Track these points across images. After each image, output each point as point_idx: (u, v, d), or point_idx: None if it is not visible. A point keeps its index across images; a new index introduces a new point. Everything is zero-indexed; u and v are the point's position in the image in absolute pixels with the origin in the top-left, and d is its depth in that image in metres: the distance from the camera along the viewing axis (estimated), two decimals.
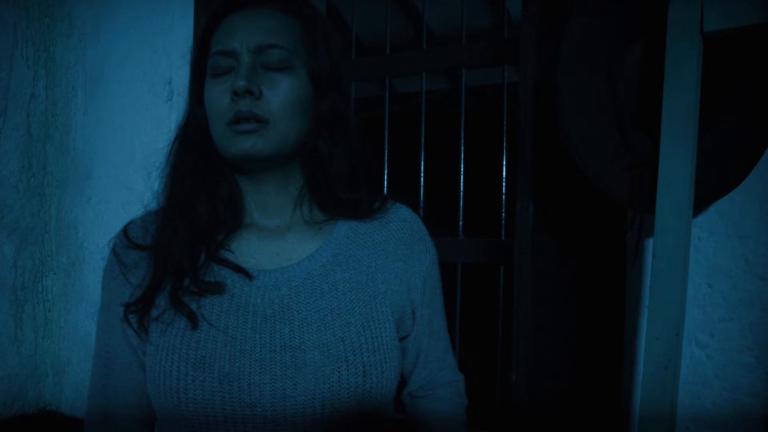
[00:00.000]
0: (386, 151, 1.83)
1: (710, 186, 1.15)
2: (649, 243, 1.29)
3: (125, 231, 0.82)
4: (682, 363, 1.16)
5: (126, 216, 2.00)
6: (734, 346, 1.24)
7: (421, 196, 1.79)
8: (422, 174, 1.78)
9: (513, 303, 1.38)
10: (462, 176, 1.72)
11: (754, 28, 1.02)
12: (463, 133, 1.70)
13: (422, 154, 1.78)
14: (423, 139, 1.78)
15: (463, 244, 1.67)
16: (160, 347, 0.74)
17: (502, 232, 1.64)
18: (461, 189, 1.72)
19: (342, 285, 0.78)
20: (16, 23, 1.97)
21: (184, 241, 0.76)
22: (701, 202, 1.15)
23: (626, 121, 1.17)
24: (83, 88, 2.09)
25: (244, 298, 0.75)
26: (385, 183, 1.84)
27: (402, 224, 0.86)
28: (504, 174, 1.62)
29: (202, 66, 0.78)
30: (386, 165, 1.84)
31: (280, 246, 0.80)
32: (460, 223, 1.72)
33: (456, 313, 1.73)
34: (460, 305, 1.72)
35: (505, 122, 1.62)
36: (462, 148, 1.71)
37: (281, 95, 0.73)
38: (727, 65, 1.13)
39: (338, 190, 0.81)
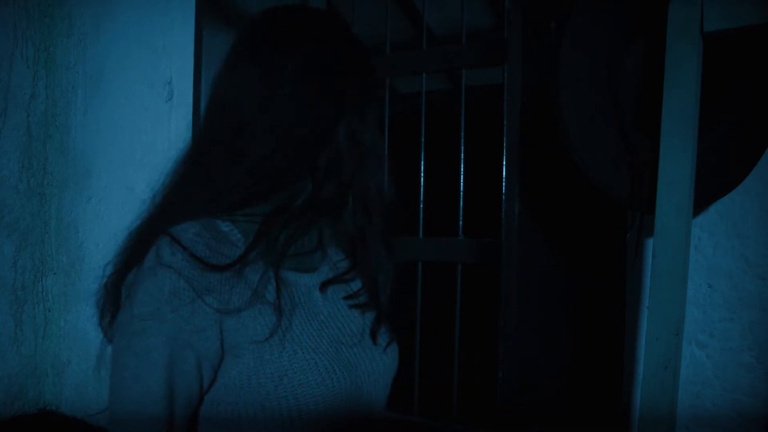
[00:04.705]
0: (386, 151, 1.83)
1: (710, 186, 1.15)
2: (649, 243, 1.29)
3: (187, 250, 0.71)
4: (682, 363, 1.16)
5: (126, 216, 1.99)
6: (734, 346, 1.24)
7: (421, 196, 1.79)
8: (422, 174, 1.78)
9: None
10: (462, 176, 1.72)
11: (754, 28, 1.02)
12: (463, 133, 1.70)
13: (422, 154, 1.78)
14: (423, 139, 1.78)
15: (463, 244, 1.67)
16: (283, 344, 0.73)
17: (502, 233, 1.64)
18: (461, 189, 1.72)
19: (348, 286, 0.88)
20: (16, 23, 1.97)
21: (287, 232, 0.78)
22: (701, 202, 1.15)
23: (626, 121, 1.17)
24: (83, 88, 2.09)
25: (306, 295, 0.80)
26: (385, 183, 1.84)
27: None
28: (504, 173, 1.62)
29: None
30: (386, 165, 1.83)
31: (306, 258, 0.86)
32: (460, 223, 1.72)
33: (456, 313, 1.73)
34: (461, 306, 1.72)
35: (505, 122, 1.62)
36: (462, 148, 1.71)
37: None
38: (727, 65, 1.13)
39: None
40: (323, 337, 0.76)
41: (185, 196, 0.77)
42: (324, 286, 0.82)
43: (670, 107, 1.08)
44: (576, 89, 1.17)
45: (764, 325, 1.22)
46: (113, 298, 0.77)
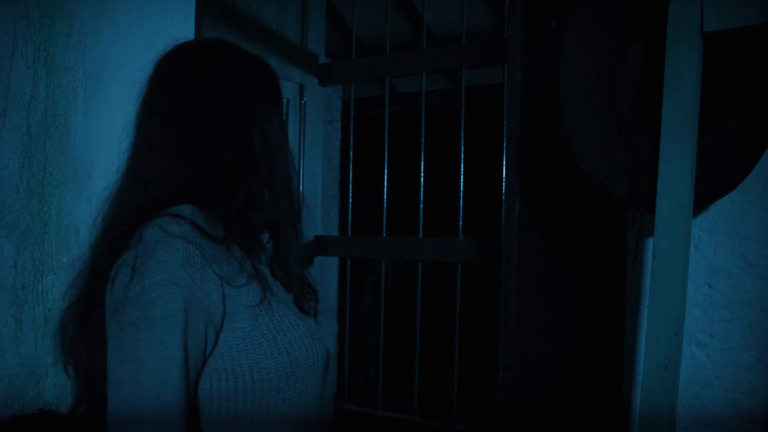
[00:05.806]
0: (386, 151, 1.83)
1: (710, 186, 1.15)
2: (649, 243, 1.29)
3: (191, 223, 0.78)
4: (682, 363, 1.16)
5: None
6: (734, 346, 1.24)
7: (421, 196, 1.79)
8: (422, 174, 1.78)
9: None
10: (462, 176, 1.72)
11: (754, 28, 1.02)
12: (463, 133, 1.70)
13: (422, 154, 1.78)
14: (423, 139, 1.78)
15: (462, 244, 1.67)
16: (272, 309, 0.81)
17: (502, 232, 1.64)
18: (461, 189, 1.72)
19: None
20: (16, 23, 1.97)
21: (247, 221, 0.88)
22: (701, 202, 1.15)
23: (626, 121, 1.17)
24: (83, 88, 2.09)
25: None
26: (385, 184, 1.84)
27: None
28: (504, 173, 1.62)
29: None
30: (386, 165, 1.84)
31: None
32: (460, 223, 1.72)
33: (456, 312, 1.73)
34: (460, 305, 1.72)
35: (505, 122, 1.62)
36: (462, 148, 1.71)
37: None
38: (727, 65, 1.13)
39: None
40: (291, 310, 0.85)
41: (144, 193, 0.85)
42: (273, 273, 0.88)
43: (670, 107, 1.08)
44: (576, 89, 1.17)
45: (764, 325, 1.22)
46: (90, 295, 0.83)
